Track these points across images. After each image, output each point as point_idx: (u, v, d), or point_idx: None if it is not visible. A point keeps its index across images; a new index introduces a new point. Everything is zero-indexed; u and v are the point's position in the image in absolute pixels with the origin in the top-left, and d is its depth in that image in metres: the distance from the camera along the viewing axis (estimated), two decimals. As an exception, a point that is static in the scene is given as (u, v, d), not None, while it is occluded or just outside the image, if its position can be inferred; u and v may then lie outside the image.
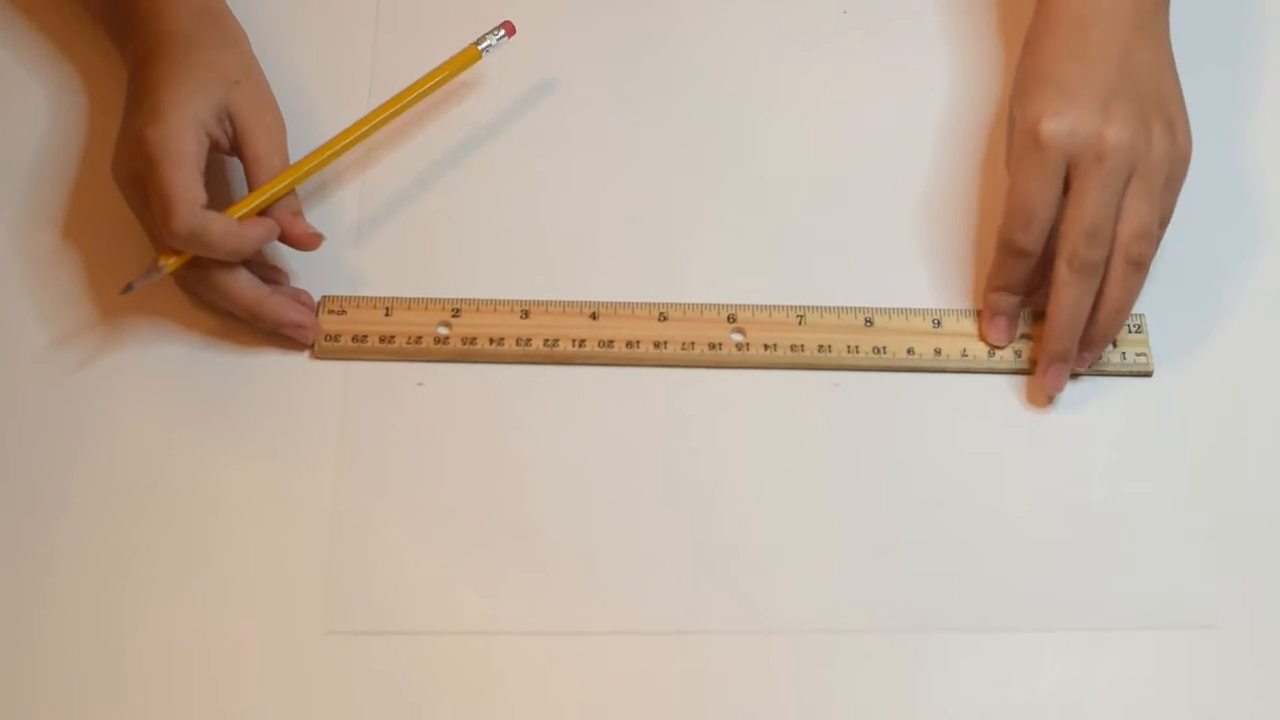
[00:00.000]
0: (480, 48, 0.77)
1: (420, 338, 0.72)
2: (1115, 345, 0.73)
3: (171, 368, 0.72)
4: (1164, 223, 0.71)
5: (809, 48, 0.82)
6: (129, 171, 0.69)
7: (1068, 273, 0.70)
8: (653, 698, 0.66)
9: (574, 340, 0.72)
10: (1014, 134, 0.72)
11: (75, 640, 0.66)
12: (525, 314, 0.73)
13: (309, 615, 0.66)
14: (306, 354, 0.72)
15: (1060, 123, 0.70)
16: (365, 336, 0.72)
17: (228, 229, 0.68)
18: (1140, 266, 0.70)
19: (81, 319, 0.73)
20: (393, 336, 0.72)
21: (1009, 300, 0.73)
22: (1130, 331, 0.74)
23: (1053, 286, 0.70)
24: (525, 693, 0.66)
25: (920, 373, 0.73)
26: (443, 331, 0.72)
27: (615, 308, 0.73)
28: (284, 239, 0.72)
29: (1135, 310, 0.72)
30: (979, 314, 0.74)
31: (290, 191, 0.72)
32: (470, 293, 0.73)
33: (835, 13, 0.83)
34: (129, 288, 0.68)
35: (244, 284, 0.70)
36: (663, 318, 0.73)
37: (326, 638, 0.66)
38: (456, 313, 0.73)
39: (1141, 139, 0.69)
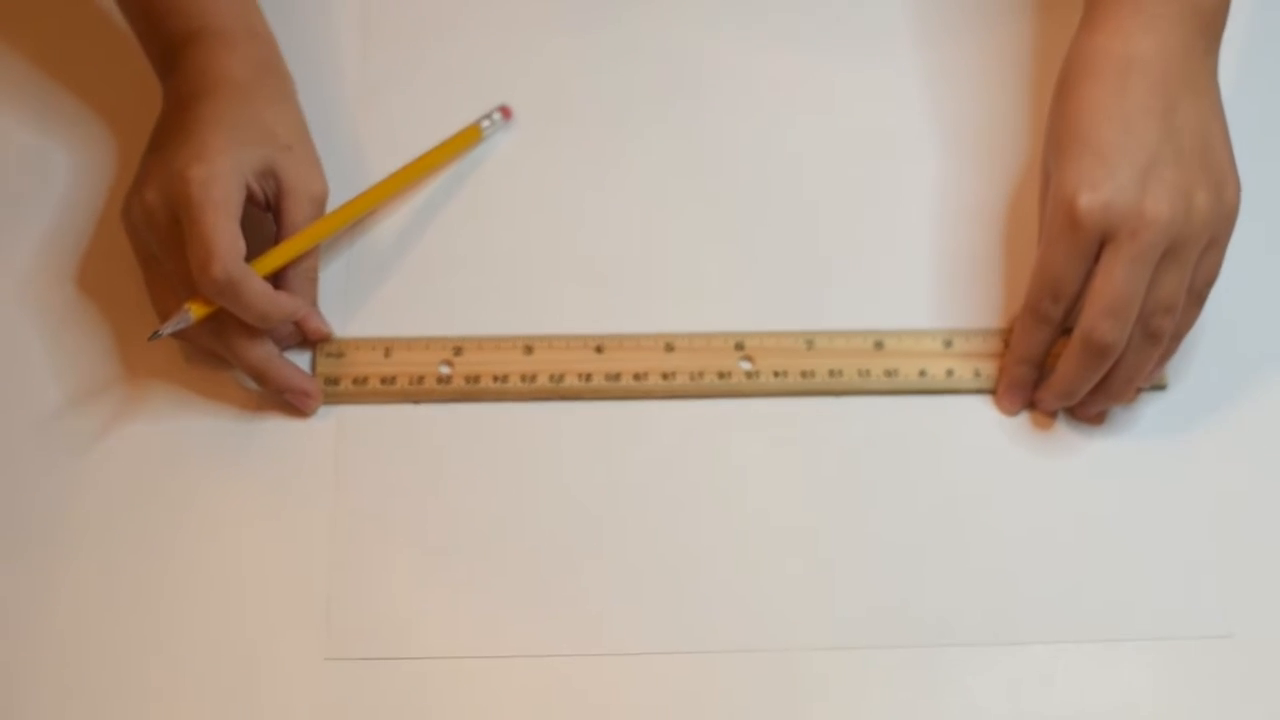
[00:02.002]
0: (481, 126, 0.77)
1: (422, 378, 0.71)
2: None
3: (170, 403, 0.71)
4: (1209, 282, 0.69)
5: (806, 67, 0.80)
6: (161, 204, 0.67)
7: (1080, 349, 0.68)
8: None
9: (580, 374, 0.71)
10: (1048, 199, 0.70)
11: (76, 667, 0.66)
12: (529, 349, 0.71)
13: (309, 642, 0.66)
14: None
15: (1097, 197, 0.67)
16: (365, 379, 0.71)
17: (264, 289, 0.67)
18: (1157, 340, 0.68)
19: (86, 357, 0.72)
20: (394, 378, 0.71)
21: (1028, 375, 0.71)
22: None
23: (1065, 350, 0.69)
24: (525, 716, 0.65)
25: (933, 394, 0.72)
26: (445, 370, 0.71)
27: (620, 339, 0.72)
28: (298, 323, 0.71)
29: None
30: (991, 335, 0.73)
31: (313, 261, 0.72)
32: (471, 330, 0.72)
33: (833, 26, 0.82)
34: (156, 335, 0.67)
35: (255, 343, 0.69)
36: (669, 348, 0.72)
37: (327, 664, 0.66)
38: (458, 351, 0.71)
39: (1181, 211, 0.67)
